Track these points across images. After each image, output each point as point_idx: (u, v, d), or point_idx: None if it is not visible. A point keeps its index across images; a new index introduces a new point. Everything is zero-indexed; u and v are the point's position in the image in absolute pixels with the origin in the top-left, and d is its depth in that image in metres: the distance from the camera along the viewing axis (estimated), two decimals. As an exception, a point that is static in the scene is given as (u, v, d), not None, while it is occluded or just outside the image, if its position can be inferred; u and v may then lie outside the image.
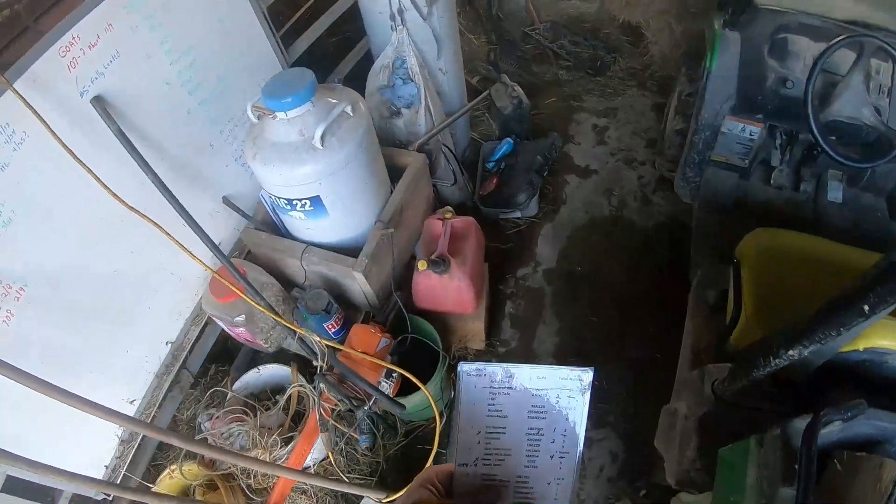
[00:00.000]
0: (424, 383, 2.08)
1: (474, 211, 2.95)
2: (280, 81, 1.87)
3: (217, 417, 2.34)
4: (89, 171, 1.63)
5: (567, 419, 0.82)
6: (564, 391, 0.81)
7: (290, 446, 2.24)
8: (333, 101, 1.93)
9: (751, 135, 2.40)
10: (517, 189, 2.90)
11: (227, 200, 2.33)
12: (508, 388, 0.81)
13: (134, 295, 2.05)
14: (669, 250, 2.85)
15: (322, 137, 1.84)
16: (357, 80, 2.79)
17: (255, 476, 2.28)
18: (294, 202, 2.01)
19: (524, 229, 3.03)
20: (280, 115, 1.85)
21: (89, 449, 2.05)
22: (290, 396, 2.40)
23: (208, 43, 2.01)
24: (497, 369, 0.81)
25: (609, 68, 3.61)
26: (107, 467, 2.13)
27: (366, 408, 2.08)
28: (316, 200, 1.99)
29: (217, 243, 2.11)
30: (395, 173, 2.38)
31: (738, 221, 2.24)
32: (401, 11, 2.35)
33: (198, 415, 2.46)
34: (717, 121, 2.40)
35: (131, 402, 2.18)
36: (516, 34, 3.68)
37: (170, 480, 2.31)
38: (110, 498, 2.01)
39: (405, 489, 0.86)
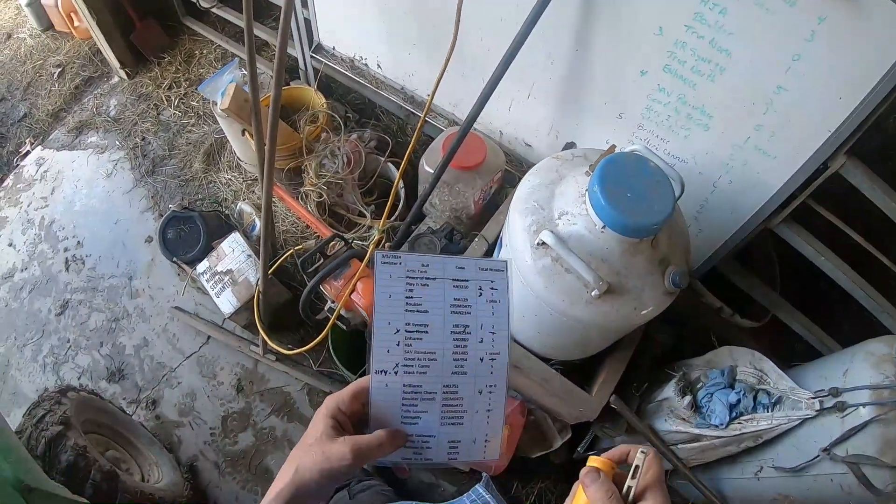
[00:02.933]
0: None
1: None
2: (629, 174, 1.26)
3: (357, 141, 2.33)
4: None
5: (493, 314, 0.76)
6: (486, 283, 0.76)
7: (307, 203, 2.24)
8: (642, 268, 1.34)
9: None
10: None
11: (570, 146, 1.91)
12: (426, 277, 0.75)
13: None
14: None
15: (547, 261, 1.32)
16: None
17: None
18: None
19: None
20: (576, 202, 1.32)
21: None
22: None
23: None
24: (412, 257, 0.75)
25: None
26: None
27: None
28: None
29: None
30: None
31: None
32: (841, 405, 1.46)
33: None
34: None
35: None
36: None
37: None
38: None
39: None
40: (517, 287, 1.44)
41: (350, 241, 1.91)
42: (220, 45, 3.09)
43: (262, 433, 2.35)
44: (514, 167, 2.14)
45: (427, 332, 0.74)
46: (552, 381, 1.70)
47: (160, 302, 2.61)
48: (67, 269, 2.77)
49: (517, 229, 1.38)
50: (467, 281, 0.76)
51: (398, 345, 0.74)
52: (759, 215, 1.65)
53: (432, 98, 1.86)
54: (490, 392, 0.76)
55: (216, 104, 2.31)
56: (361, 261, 1.83)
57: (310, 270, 1.87)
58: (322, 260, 1.89)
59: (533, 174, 1.46)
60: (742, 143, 1.52)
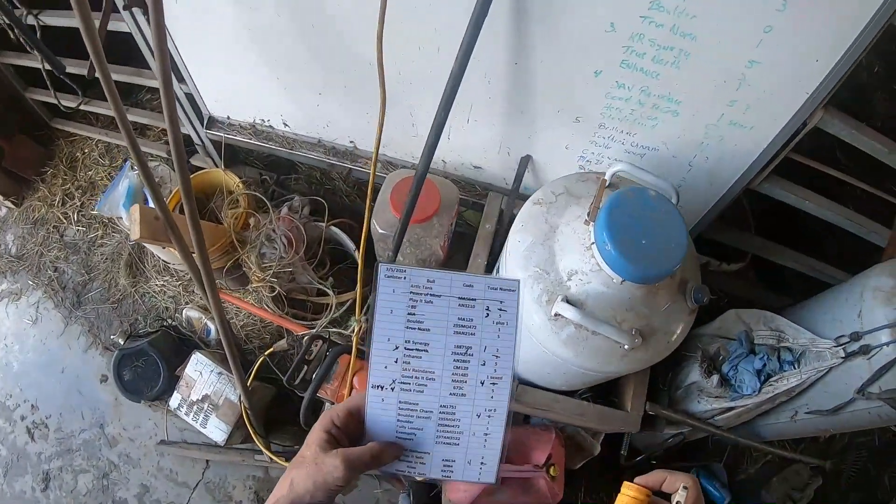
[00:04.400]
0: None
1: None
2: (635, 215, 1.15)
3: (290, 215, 2.13)
4: None
5: (499, 337, 0.73)
6: (495, 303, 0.73)
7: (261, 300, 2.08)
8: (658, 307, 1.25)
9: None
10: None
11: (526, 160, 1.79)
12: (431, 294, 0.72)
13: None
14: None
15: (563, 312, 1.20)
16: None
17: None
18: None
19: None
20: (583, 257, 1.21)
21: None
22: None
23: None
24: (418, 272, 0.72)
25: None
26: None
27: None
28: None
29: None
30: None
31: None
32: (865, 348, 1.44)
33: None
34: None
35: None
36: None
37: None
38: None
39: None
40: (538, 353, 1.34)
41: (328, 336, 1.75)
42: (100, 140, 2.77)
43: (304, 539, 2.21)
44: (467, 192, 2.00)
45: (427, 352, 0.73)
46: (587, 412, 1.64)
47: (142, 441, 2.39)
48: (33, 438, 2.50)
49: (527, 302, 1.26)
50: (474, 300, 0.72)
51: (396, 362, 0.73)
52: (739, 182, 1.60)
53: (376, 155, 1.67)
54: (489, 416, 0.74)
55: (121, 219, 2.07)
56: (349, 355, 1.69)
57: (297, 383, 1.71)
58: (306, 366, 1.73)
59: (520, 231, 1.33)
60: (716, 121, 1.43)
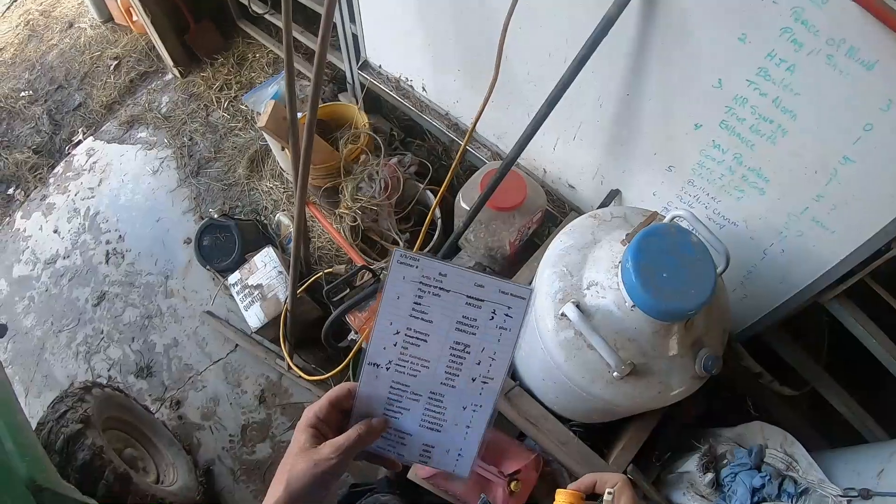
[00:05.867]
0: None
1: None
2: (668, 249, 1.16)
3: (396, 165, 2.30)
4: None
5: (499, 341, 0.73)
6: (502, 307, 0.73)
7: (341, 225, 2.23)
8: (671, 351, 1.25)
9: None
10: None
11: (614, 193, 1.83)
12: (440, 288, 0.72)
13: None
14: None
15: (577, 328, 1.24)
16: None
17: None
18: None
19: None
20: (608, 273, 1.24)
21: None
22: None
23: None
24: (432, 263, 0.72)
25: None
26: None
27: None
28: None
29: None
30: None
31: None
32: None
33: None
34: None
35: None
36: None
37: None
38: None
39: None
40: (539, 351, 1.38)
41: (378, 273, 1.87)
42: (272, 50, 3.10)
43: (279, 446, 2.36)
44: (556, 207, 2.06)
45: (426, 342, 0.74)
46: (570, 445, 1.64)
47: (193, 304, 2.65)
48: (107, 261, 2.84)
49: (542, 294, 1.31)
50: (482, 301, 0.73)
51: (395, 345, 0.74)
52: (809, 289, 1.53)
53: (472, 131, 1.81)
54: (474, 410, 0.76)
55: (259, 114, 2.31)
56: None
57: (335, 300, 1.84)
58: (349, 290, 1.86)
59: (567, 234, 1.39)
60: (799, 212, 1.40)
